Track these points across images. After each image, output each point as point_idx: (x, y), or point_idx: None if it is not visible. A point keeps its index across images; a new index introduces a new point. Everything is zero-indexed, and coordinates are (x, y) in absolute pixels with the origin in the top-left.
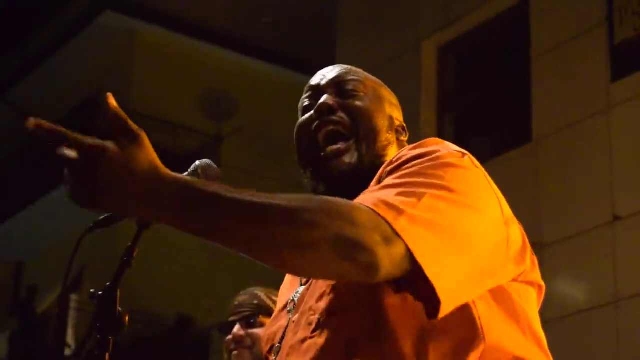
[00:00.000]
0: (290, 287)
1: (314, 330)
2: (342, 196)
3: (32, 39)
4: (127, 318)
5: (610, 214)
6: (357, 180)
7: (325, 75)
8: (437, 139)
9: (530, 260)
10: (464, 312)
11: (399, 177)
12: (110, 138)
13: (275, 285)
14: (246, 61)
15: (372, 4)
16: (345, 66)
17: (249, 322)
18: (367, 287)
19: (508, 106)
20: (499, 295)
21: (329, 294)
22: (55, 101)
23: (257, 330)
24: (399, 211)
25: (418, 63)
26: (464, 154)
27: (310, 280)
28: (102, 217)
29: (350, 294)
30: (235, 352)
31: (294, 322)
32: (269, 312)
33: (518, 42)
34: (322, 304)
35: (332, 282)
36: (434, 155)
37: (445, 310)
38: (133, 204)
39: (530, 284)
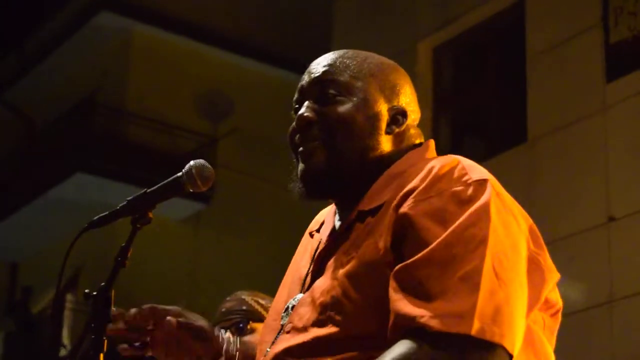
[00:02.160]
0: (289, 292)
1: (302, 344)
2: (318, 195)
3: (28, 40)
4: None
5: (606, 215)
6: (334, 183)
7: (311, 72)
8: (455, 159)
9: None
10: None
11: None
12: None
13: (269, 284)
14: (242, 62)
15: (368, 4)
16: (335, 56)
17: (240, 328)
18: (360, 312)
19: (503, 106)
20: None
21: (320, 315)
22: (52, 101)
23: (248, 338)
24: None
25: (414, 64)
26: (486, 182)
27: (311, 289)
28: (96, 217)
29: (342, 316)
30: None
31: (287, 332)
32: (258, 318)
33: (514, 43)
34: (315, 317)
35: (333, 294)
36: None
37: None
38: None
39: (547, 306)
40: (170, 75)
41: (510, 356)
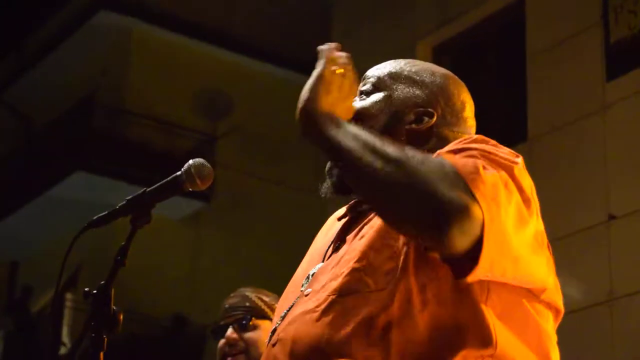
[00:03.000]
0: (313, 260)
1: (321, 306)
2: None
3: (27, 39)
4: (121, 317)
5: (606, 213)
6: None
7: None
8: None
9: (554, 284)
10: (481, 318)
11: (463, 150)
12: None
13: (269, 283)
14: (242, 60)
15: (367, 3)
16: (386, 63)
17: (242, 325)
18: (387, 274)
19: (503, 106)
20: (519, 311)
21: (346, 275)
22: (52, 101)
23: (250, 334)
24: (477, 175)
25: None
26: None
27: (332, 257)
28: (95, 217)
29: (368, 279)
30: (229, 358)
31: (305, 295)
32: (262, 315)
33: (513, 42)
34: (336, 284)
35: (354, 265)
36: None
37: (479, 274)
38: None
39: (549, 306)
40: (169, 74)
41: (482, 223)
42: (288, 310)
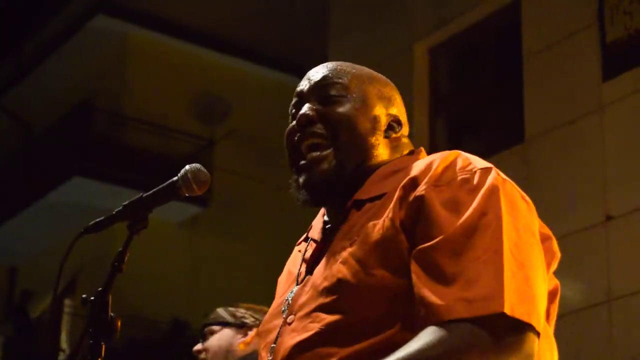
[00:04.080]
0: (286, 285)
1: (311, 336)
2: (323, 201)
3: (25, 44)
4: (119, 323)
5: (603, 214)
6: (337, 185)
7: (310, 79)
8: (455, 151)
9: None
10: None
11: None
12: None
13: (266, 287)
14: (239, 64)
15: (363, 6)
16: (332, 65)
17: (202, 336)
18: (368, 294)
19: (500, 107)
20: None
21: (326, 297)
22: (49, 106)
23: (208, 342)
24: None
25: (410, 65)
26: (490, 169)
27: (305, 280)
28: (92, 222)
29: (350, 298)
30: None
31: (289, 323)
32: (219, 322)
33: (509, 43)
34: (321, 312)
35: (339, 276)
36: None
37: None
38: None
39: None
40: (167, 78)
41: (538, 334)
42: (275, 343)
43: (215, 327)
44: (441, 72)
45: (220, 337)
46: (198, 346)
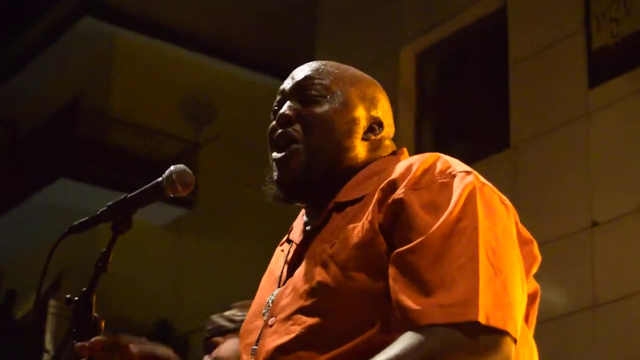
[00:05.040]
0: (267, 288)
1: (292, 339)
2: (294, 199)
3: (11, 45)
4: (103, 324)
5: (589, 220)
6: (309, 185)
7: (293, 77)
8: (436, 154)
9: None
10: None
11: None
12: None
13: (251, 290)
14: (225, 67)
15: (351, 10)
16: (317, 65)
17: (207, 347)
18: (348, 297)
19: (486, 112)
20: None
21: (307, 300)
22: (36, 107)
23: (215, 353)
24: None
25: (396, 69)
26: (470, 173)
27: (287, 283)
28: (76, 222)
29: (330, 301)
30: None
31: (270, 326)
32: (222, 331)
33: (496, 49)
34: (301, 315)
35: (319, 279)
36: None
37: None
38: None
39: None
40: (153, 80)
41: (515, 340)
42: (257, 344)
43: (219, 338)
44: (428, 77)
45: (228, 347)
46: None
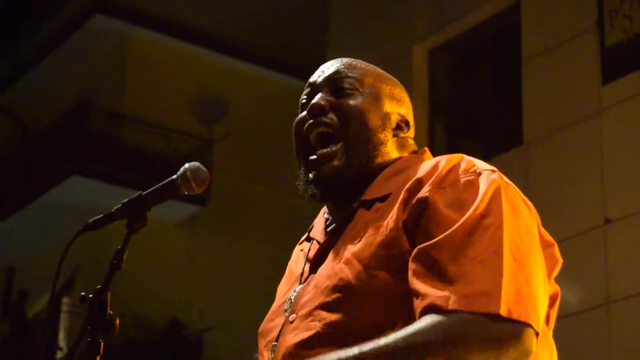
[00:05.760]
0: (288, 285)
1: (313, 336)
2: (332, 197)
3: (23, 43)
4: (117, 321)
5: (602, 217)
6: (347, 181)
7: (324, 71)
8: (459, 155)
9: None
10: None
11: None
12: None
13: (264, 287)
14: (238, 65)
15: (363, 8)
16: (347, 60)
17: None
18: (370, 295)
19: (499, 109)
20: None
21: (328, 296)
22: (48, 105)
23: None
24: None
25: (409, 67)
26: (494, 172)
27: (309, 279)
28: (91, 220)
29: (351, 298)
30: None
31: (290, 322)
32: None
33: (509, 46)
34: (322, 311)
35: (342, 276)
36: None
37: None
38: None
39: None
40: (165, 78)
41: (537, 334)
42: (277, 340)
43: None
44: (440, 74)
45: None
46: None
